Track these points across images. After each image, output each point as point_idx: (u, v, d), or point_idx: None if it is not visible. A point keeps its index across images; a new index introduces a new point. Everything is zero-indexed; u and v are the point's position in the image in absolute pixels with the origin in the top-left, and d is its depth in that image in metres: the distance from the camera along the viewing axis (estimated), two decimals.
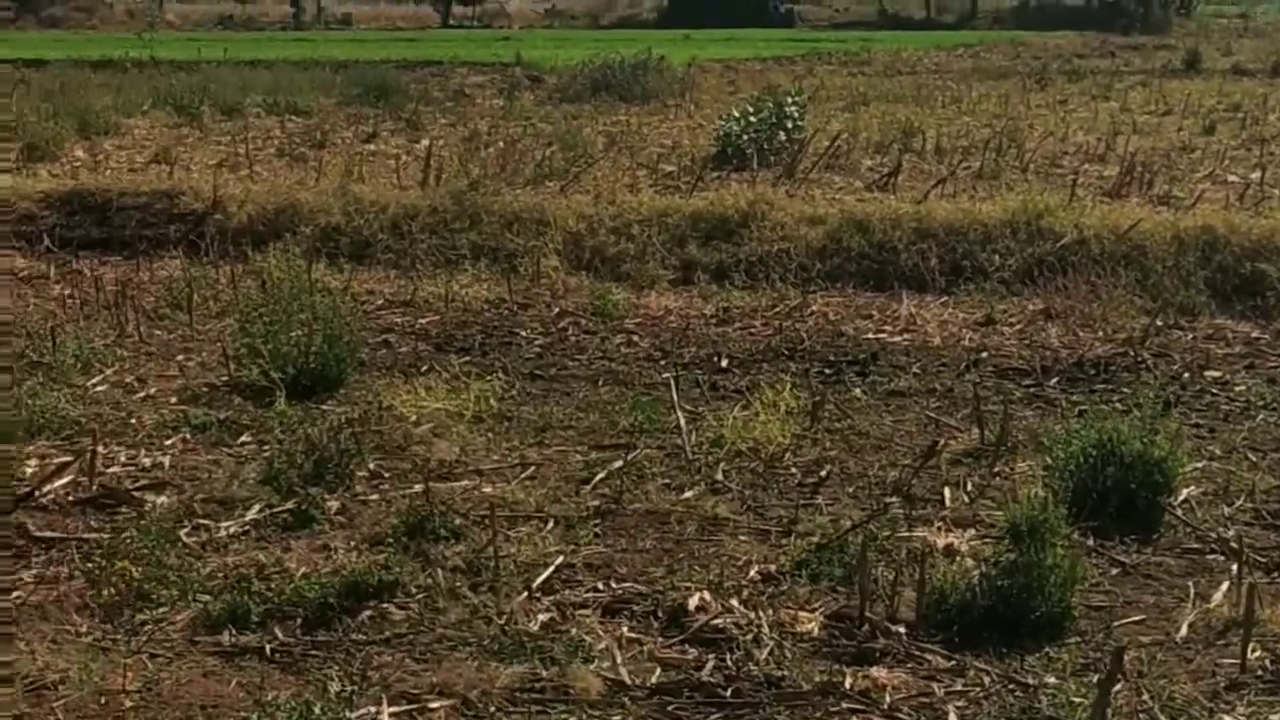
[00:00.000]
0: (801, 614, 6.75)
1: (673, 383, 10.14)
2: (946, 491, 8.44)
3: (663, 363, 11.51)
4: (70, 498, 8.26)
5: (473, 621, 6.70)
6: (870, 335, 12.43)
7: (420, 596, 6.93)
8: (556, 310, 13.26)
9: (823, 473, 8.76)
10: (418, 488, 8.22)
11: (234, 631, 6.62)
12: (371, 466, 8.77)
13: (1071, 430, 8.55)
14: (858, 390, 10.70)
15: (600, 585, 7.14)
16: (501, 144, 21.71)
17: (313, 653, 6.46)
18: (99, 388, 10.61)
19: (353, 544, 7.60)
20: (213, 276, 14.17)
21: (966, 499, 8.38)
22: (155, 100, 29.21)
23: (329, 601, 6.81)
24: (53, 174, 19.50)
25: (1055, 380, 10.99)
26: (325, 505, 8.05)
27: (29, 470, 8.67)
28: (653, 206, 15.91)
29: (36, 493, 8.15)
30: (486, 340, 12.25)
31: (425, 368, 11.21)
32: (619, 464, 8.83)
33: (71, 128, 23.89)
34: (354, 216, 15.87)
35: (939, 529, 7.79)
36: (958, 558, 7.29)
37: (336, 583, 6.95)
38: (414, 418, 9.78)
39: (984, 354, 11.75)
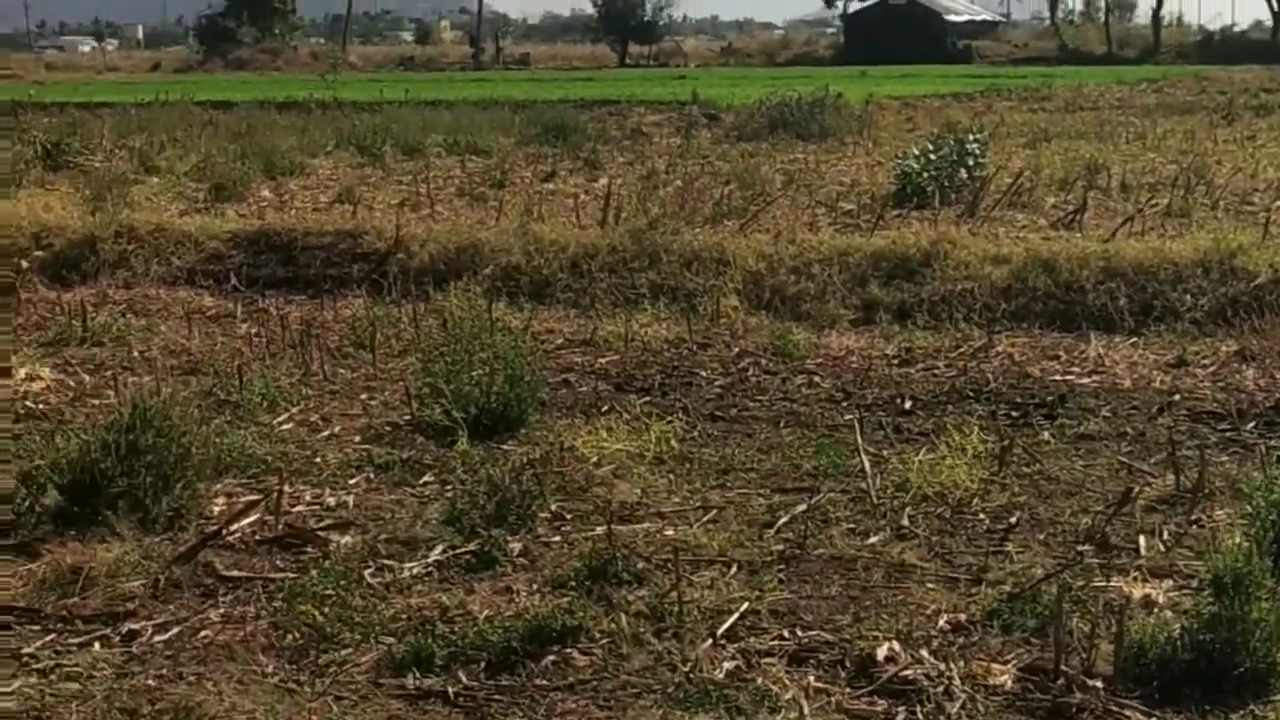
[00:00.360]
0: (994, 666, 6.56)
1: (856, 424, 10.00)
2: (1142, 540, 8.17)
3: (845, 404, 11.35)
4: (256, 537, 8.31)
5: (657, 669, 6.60)
6: (1057, 377, 12.15)
7: (604, 642, 6.84)
8: (736, 350, 13.15)
9: (1012, 519, 8.54)
10: (599, 530, 8.16)
11: (418, 674, 6.59)
12: (553, 508, 8.72)
13: (1272, 477, 8.24)
14: (1046, 433, 10.44)
15: (786, 633, 7.00)
16: (679, 182, 21.71)
17: (496, 698, 6.41)
18: (284, 426, 10.71)
19: (535, 587, 7.55)
20: (395, 315, 14.27)
21: (1163, 548, 8.10)
22: (339, 141, 29.74)
23: (512, 645, 6.75)
24: (240, 214, 19.87)
25: (1252, 424, 10.63)
26: (508, 547, 8.02)
27: (216, 508, 8.76)
28: (833, 245, 15.79)
29: (224, 531, 8.21)
30: (666, 380, 12.17)
31: (605, 408, 11.16)
32: (802, 508, 8.69)
33: (258, 168, 24.37)
34: (534, 255, 15.93)
35: (1135, 579, 7.54)
36: (1156, 609, 7.05)
37: (520, 626, 6.89)
38: (595, 458, 9.72)
39: (1176, 397, 11.41)
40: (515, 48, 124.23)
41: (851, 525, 8.48)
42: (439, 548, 8.09)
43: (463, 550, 8.01)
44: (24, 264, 16.24)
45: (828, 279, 14.89)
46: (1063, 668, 6.47)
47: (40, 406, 11.22)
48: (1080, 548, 8.05)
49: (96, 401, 11.24)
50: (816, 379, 12.17)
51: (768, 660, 6.70)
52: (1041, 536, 8.33)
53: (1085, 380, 12.03)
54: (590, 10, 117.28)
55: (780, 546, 8.15)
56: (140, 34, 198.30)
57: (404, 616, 7.16)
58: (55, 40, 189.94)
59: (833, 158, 26.48)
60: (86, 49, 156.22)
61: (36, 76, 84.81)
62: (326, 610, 7.10)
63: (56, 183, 23.74)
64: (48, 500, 8.45)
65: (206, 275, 16.70)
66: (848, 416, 10.73)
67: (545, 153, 27.49)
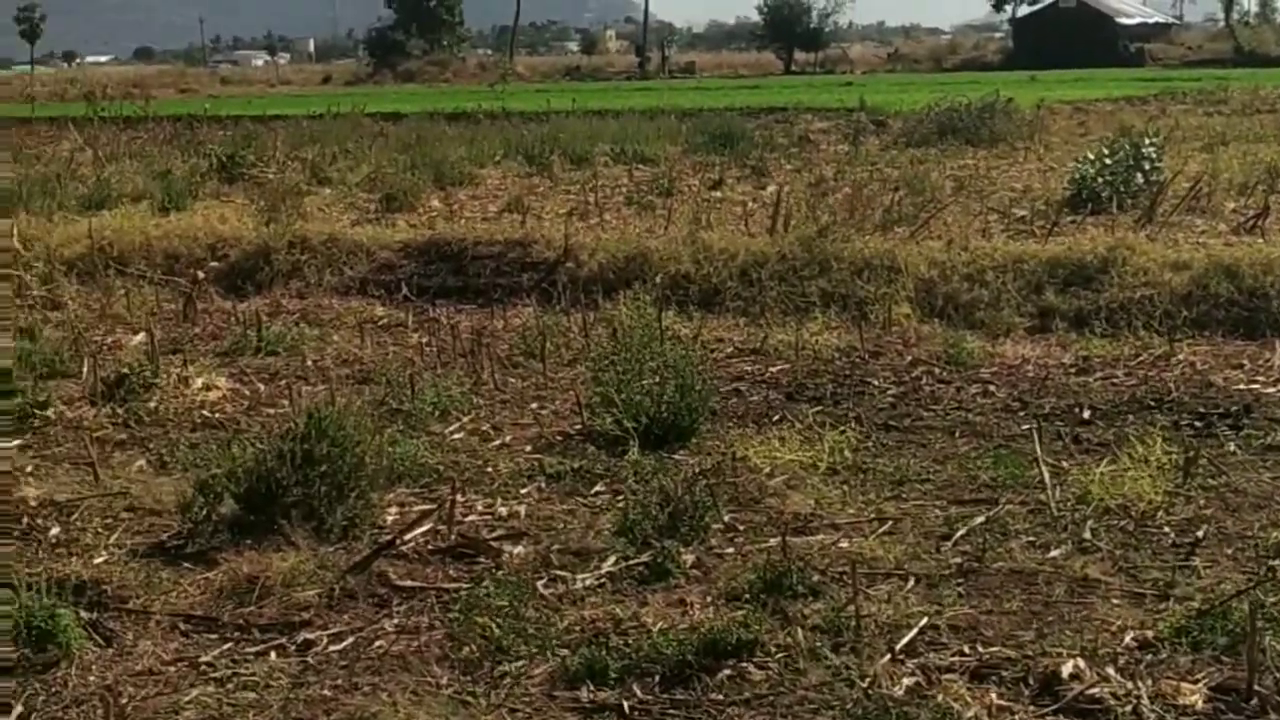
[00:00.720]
0: (1184, 685, 6.35)
1: (1034, 434, 9.78)
2: None
3: (1021, 414, 11.12)
4: (429, 546, 8.31)
5: (834, 684, 6.48)
6: (1242, 386, 11.81)
7: (779, 656, 6.73)
8: (909, 359, 12.97)
9: (1199, 532, 8.28)
10: (773, 541, 8.05)
11: (592, 687, 6.53)
12: (726, 519, 8.62)
13: None
14: (1232, 444, 10.14)
15: (966, 648, 6.84)
16: (848, 189, 21.48)
17: (671, 712, 6.33)
18: (456, 435, 10.73)
19: (709, 599, 7.45)
20: (564, 324, 14.27)
21: None
22: (507, 150, 29.90)
23: (686, 659, 6.66)
24: (410, 224, 20.02)
25: None
26: (680, 558, 7.93)
27: (389, 518, 8.78)
28: (1006, 252, 15.52)
29: (398, 541, 8.21)
30: (838, 389, 12.02)
31: (777, 417, 11.05)
32: (980, 520, 8.52)
33: (428, 178, 24.56)
34: (703, 264, 15.86)
35: None
36: None
37: (694, 639, 6.81)
38: (767, 469, 9.63)
39: None
40: (680, 56, 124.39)
41: (1031, 538, 8.28)
42: (611, 558, 8.03)
43: (635, 561, 7.94)
44: (200, 275, 16.48)
45: (1001, 286, 14.64)
46: (1256, 687, 6.26)
47: (217, 416, 11.36)
48: (1272, 563, 7.78)
49: (271, 411, 11.35)
50: (992, 388, 11.95)
51: (948, 676, 6.55)
52: (1230, 551, 8.07)
53: (1271, 390, 11.68)
54: (756, 18, 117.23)
55: (958, 559, 7.98)
56: (311, 47, 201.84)
57: (577, 628, 7.11)
58: (229, 55, 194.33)
59: (1003, 163, 26.09)
60: (259, 63, 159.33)
61: (211, 91, 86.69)
62: (501, 621, 7.07)
63: (231, 195, 24.13)
64: (224, 509, 8.53)
65: (378, 285, 16.84)
66: (1025, 426, 10.52)
67: (712, 161, 27.39)
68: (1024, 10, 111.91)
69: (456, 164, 26.58)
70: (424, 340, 14.01)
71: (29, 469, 9.95)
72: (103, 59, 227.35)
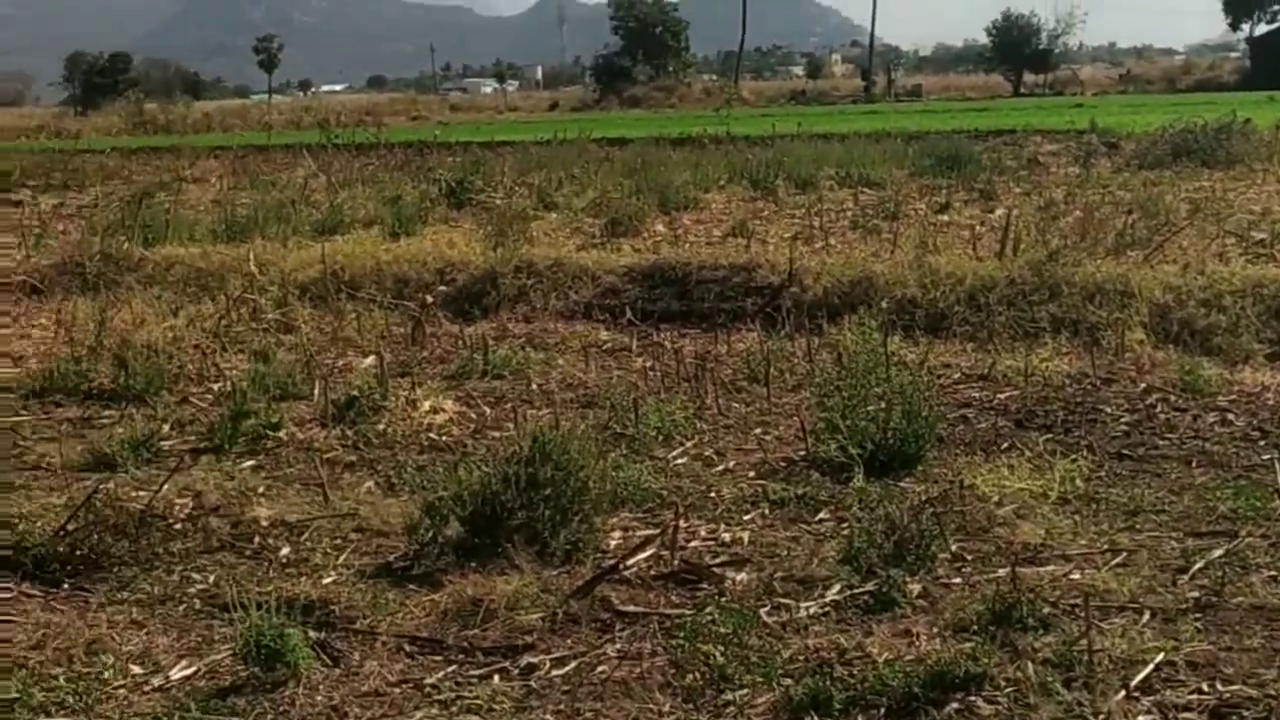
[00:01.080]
0: None
1: (1276, 465, 9.44)
2: None
3: (1261, 443, 10.74)
4: (652, 572, 8.27)
5: None
6: None
7: (1009, 690, 6.55)
8: (1143, 386, 12.62)
9: None
10: (1002, 572, 7.86)
11: (816, 718, 6.42)
12: (953, 548, 8.45)
13: None
14: None
15: (1205, 686, 6.59)
16: (1079, 212, 21.05)
17: None
18: (679, 460, 10.69)
19: (935, 630, 7.30)
20: (789, 349, 14.16)
21: None
22: (731, 175, 29.91)
23: (913, 691, 6.52)
24: (635, 248, 20.10)
25: None
26: (906, 588, 7.79)
27: (612, 542, 8.77)
28: (1245, 276, 15.08)
29: (620, 566, 8.19)
30: (1069, 417, 11.74)
31: (1005, 445, 10.83)
32: (1219, 553, 8.23)
33: (652, 203, 24.65)
34: (929, 288, 15.64)
35: None
36: None
37: (920, 671, 6.66)
38: (995, 497, 9.42)
39: None
40: (907, 79, 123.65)
41: (1274, 573, 7.98)
42: (836, 587, 7.91)
43: (860, 590, 7.82)
44: (429, 299, 16.70)
45: (1240, 311, 14.21)
46: None
47: (443, 438, 11.46)
48: None
49: (497, 434, 11.43)
50: (1230, 416, 11.57)
51: (1185, 715, 6.33)
52: None
53: None
54: (983, 40, 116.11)
55: (1196, 594, 7.71)
56: (539, 74, 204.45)
57: (801, 657, 7.01)
58: (459, 82, 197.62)
59: (1241, 185, 25.39)
60: (488, 90, 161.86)
61: (441, 117, 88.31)
62: (724, 649, 6.99)
63: (460, 220, 24.47)
64: (450, 531, 8.59)
65: (602, 309, 16.90)
66: (1265, 456, 10.17)
67: (939, 184, 27.09)
68: (1262, 29, 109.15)
69: (681, 188, 26.64)
70: (648, 364, 14.01)
71: (261, 489, 10.14)
72: (337, 87, 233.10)
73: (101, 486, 9.77)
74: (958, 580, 8.02)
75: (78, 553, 8.63)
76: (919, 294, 15.60)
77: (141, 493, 9.77)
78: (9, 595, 8.18)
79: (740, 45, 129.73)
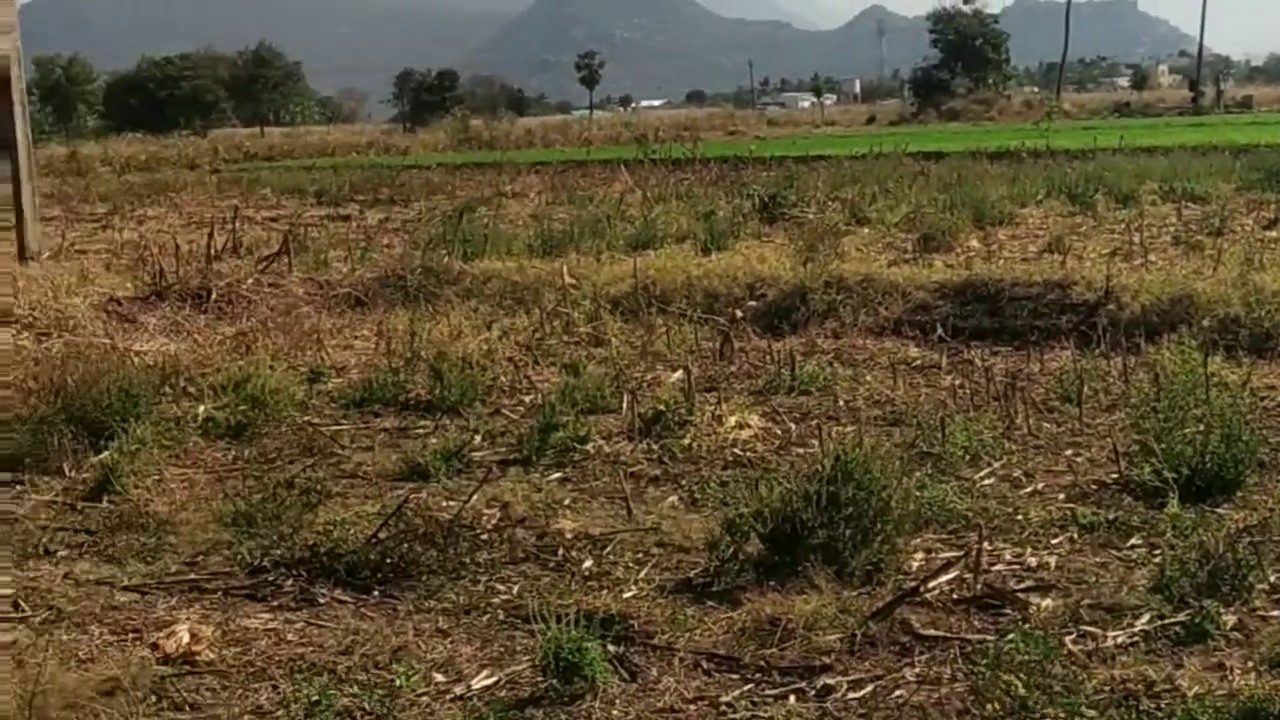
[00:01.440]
0: None
1: None
2: None
3: None
4: (954, 595, 8.11)
5: None
6: None
7: None
8: None
9: None
10: None
11: None
12: (1272, 579, 8.10)
13: None
14: None
15: None
16: None
17: None
18: (986, 481, 10.48)
19: (1250, 664, 7.00)
20: (1103, 368, 13.80)
21: None
22: (1049, 189, 29.38)
23: None
24: (947, 264, 19.85)
25: None
26: (1220, 619, 7.49)
27: (914, 564, 8.64)
28: None
29: (922, 588, 8.06)
30: None
31: None
32: None
33: (966, 218, 24.35)
34: (1254, 307, 15.06)
35: None
36: None
37: (1233, 707, 6.40)
38: None
39: None
40: (1237, 90, 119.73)
41: None
42: (1145, 616, 7.65)
43: (1171, 620, 7.54)
44: (738, 314, 16.72)
45: None
46: None
47: (747, 454, 11.44)
48: None
49: (801, 450, 11.37)
50: None
51: None
52: None
53: None
54: None
55: None
56: (857, 88, 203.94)
57: (1106, 688, 6.78)
58: (776, 97, 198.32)
59: None
60: (806, 104, 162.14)
61: (758, 132, 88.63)
62: (1026, 678, 6.81)
63: (771, 235, 24.50)
64: (750, 548, 8.56)
65: (912, 325, 16.71)
66: None
67: (1268, 199, 26.14)
68: None
69: (997, 203, 26.27)
70: (957, 382, 13.79)
71: (566, 501, 10.27)
72: (656, 103, 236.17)
73: (413, 496, 10.03)
74: (1276, 613, 7.68)
75: (388, 560, 8.83)
76: (1243, 313, 15.04)
77: (451, 503, 9.99)
78: (322, 601, 8.44)
79: (1063, 56, 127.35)
